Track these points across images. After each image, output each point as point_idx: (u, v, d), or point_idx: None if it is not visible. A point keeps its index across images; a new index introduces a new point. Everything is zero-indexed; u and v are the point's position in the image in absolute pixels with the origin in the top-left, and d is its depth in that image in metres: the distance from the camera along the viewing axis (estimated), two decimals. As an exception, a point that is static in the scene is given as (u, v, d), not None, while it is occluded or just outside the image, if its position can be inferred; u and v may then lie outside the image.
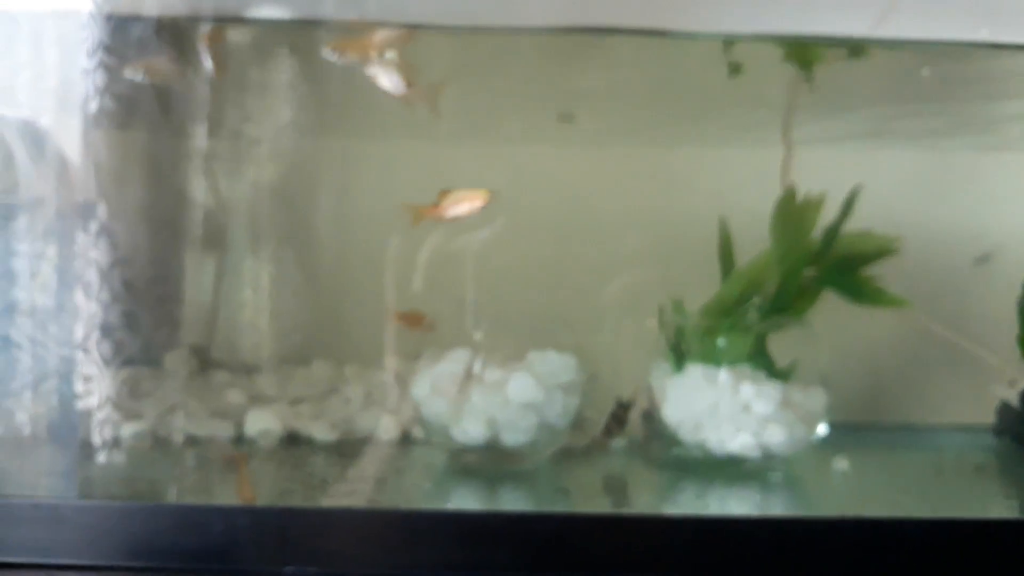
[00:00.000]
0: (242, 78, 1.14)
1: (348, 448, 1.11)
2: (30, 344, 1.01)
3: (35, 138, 1.03)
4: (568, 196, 1.21)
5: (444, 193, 1.04)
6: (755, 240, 1.08)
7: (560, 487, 1.04)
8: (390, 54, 1.04)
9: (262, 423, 1.11)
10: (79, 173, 1.02)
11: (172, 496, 0.95)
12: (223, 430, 1.11)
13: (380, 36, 1.02)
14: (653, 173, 1.26)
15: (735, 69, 1.07)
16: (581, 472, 1.07)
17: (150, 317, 1.15)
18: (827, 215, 1.08)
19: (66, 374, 1.00)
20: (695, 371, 1.06)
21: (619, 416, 1.11)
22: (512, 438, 1.01)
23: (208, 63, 1.06)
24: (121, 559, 0.82)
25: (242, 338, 1.20)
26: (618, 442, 1.11)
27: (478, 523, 0.86)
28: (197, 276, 1.20)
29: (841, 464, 1.09)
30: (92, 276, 0.99)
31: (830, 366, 1.08)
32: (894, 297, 1.10)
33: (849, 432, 1.12)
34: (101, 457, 0.98)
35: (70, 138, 1.02)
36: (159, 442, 1.08)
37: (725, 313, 1.09)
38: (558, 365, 1.04)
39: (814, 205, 1.08)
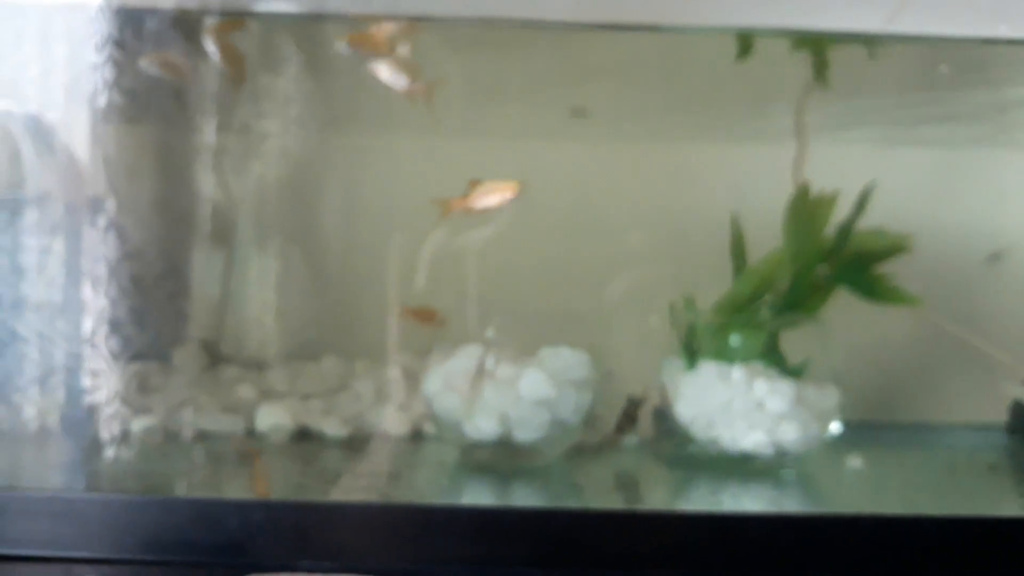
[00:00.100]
0: (250, 73, 1.14)
1: (359, 444, 1.11)
2: (38, 339, 1.01)
3: (43, 133, 1.02)
4: (580, 192, 1.21)
5: (474, 184, 1.04)
6: (767, 237, 1.08)
7: (573, 483, 1.04)
8: (402, 48, 1.03)
9: (273, 418, 1.11)
10: (88, 168, 1.02)
11: (187, 490, 0.94)
12: (234, 425, 1.11)
13: (392, 30, 1.02)
14: (665, 169, 1.26)
15: (745, 49, 1.06)
16: (593, 469, 1.06)
17: (159, 312, 1.15)
18: (838, 213, 1.08)
19: (74, 369, 1.00)
20: (708, 368, 1.06)
21: (631, 413, 1.11)
22: (524, 434, 1.01)
23: (217, 57, 1.05)
24: (136, 552, 0.82)
25: (251, 333, 1.20)
26: (630, 439, 1.11)
27: (492, 518, 0.86)
28: (206, 271, 1.20)
29: (855, 462, 1.09)
30: (101, 271, 0.99)
31: (842, 364, 1.08)
32: (907, 295, 1.10)
33: (861, 430, 1.12)
34: (111, 452, 0.98)
35: (79, 133, 1.02)
36: (170, 437, 1.08)
37: (738, 310, 1.08)
38: (570, 361, 1.03)
39: (827, 202, 1.08)
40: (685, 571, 0.84)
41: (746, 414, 1.04)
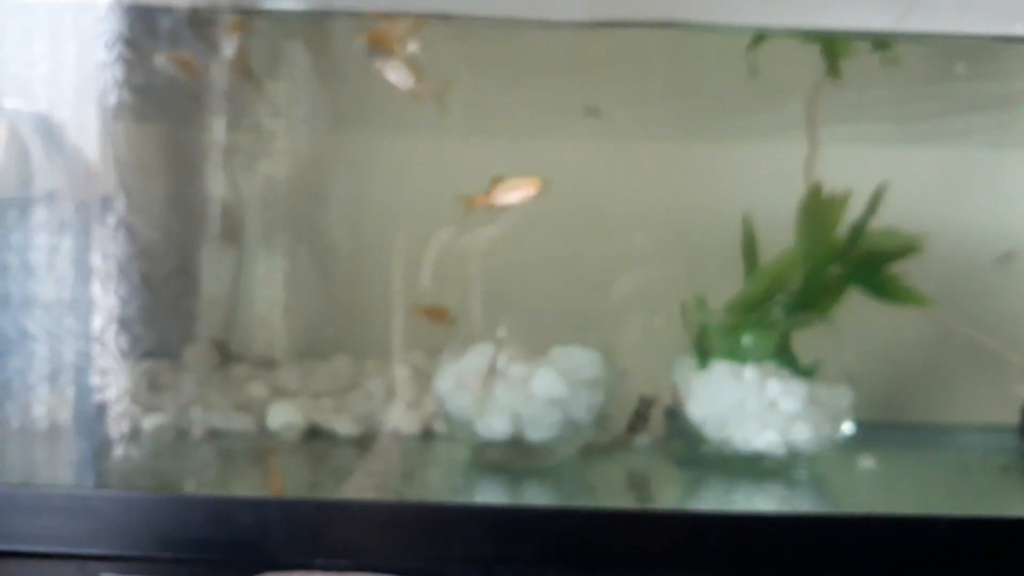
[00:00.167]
0: (260, 71, 1.13)
1: (371, 442, 1.11)
2: (48, 337, 1.01)
3: (53, 131, 1.02)
4: (591, 191, 1.21)
5: (497, 181, 1.04)
6: (778, 237, 1.08)
7: (584, 482, 1.03)
8: (412, 46, 1.03)
9: (285, 416, 1.11)
10: (98, 166, 1.02)
11: (201, 488, 0.94)
12: (245, 423, 1.11)
13: (407, 27, 1.02)
14: (677, 168, 1.25)
15: (758, 39, 1.06)
16: (605, 468, 1.06)
17: (169, 310, 1.15)
18: (850, 213, 1.08)
19: (84, 367, 1.00)
20: (720, 368, 1.06)
21: (643, 412, 1.11)
22: (536, 434, 1.01)
23: (227, 55, 1.05)
24: (151, 550, 0.82)
25: (262, 332, 1.20)
26: (642, 439, 1.11)
27: (504, 517, 0.86)
28: (217, 269, 1.19)
29: (867, 462, 1.08)
30: (111, 269, 0.99)
31: (854, 364, 1.07)
32: (919, 295, 1.09)
33: (873, 431, 1.11)
34: (122, 450, 0.98)
35: (88, 131, 1.02)
36: (181, 435, 1.08)
37: (750, 310, 1.08)
38: (582, 361, 1.03)
39: (839, 202, 1.08)
40: (696, 571, 0.84)
41: (758, 414, 1.03)
